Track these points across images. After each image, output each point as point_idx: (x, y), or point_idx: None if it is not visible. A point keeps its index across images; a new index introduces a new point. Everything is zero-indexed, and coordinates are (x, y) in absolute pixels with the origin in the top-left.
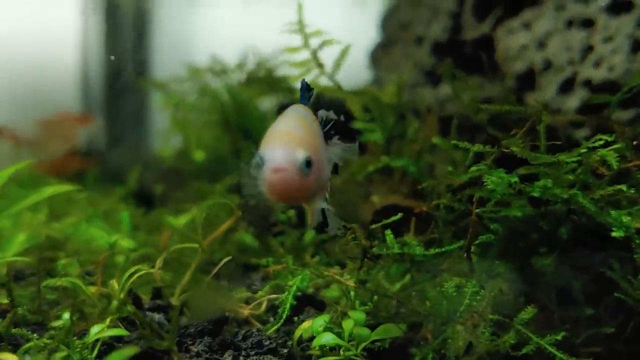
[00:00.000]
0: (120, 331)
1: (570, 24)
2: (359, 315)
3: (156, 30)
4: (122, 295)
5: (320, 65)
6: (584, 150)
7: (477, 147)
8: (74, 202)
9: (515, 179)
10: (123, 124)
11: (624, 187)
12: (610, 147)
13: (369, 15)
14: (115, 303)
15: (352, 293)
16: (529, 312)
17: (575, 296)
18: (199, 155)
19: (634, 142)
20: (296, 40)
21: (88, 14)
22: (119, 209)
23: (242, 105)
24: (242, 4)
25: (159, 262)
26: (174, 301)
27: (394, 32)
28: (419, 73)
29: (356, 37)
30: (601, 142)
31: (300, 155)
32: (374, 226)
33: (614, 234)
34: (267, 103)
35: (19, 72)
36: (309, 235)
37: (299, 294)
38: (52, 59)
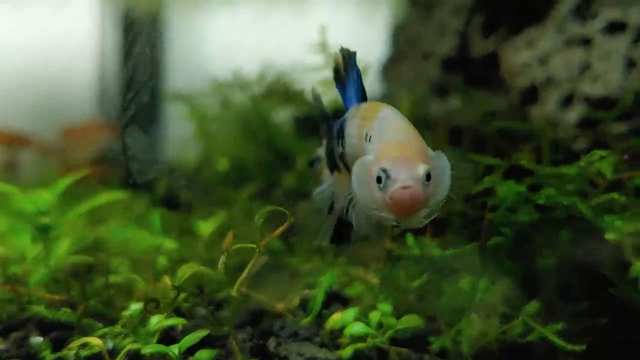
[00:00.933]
0: (178, 320)
1: (569, 43)
2: (386, 307)
3: (172, 42)
4: (176, 291)
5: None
6: (582, 163)
7: (489, 160)
8: (110, 207)
9: (523, 189)
10: (139, 133)
11: (615, 195)
12: (605, 160)
13: (377, 30)
14: (182, 295)
15: (376, 289)
16: (533, 306)
17: (573, 292)
18: (222, 164)
19: (625, 156)
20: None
21: (106, 26)
22: (149, 214)
23: (264, 118)
24: (256, 16)
25: (221, 261)
26: (234, 293)
27: (403, 47)
28: (428, 87)
29: (365, 52)
30: (597, 157)
31: (422, 169)
32: (396, 230)
33: (606, 236)
34: (282, 114)
35: (38, 83)
36: None
37: (329, 291)
38: (71, 70)
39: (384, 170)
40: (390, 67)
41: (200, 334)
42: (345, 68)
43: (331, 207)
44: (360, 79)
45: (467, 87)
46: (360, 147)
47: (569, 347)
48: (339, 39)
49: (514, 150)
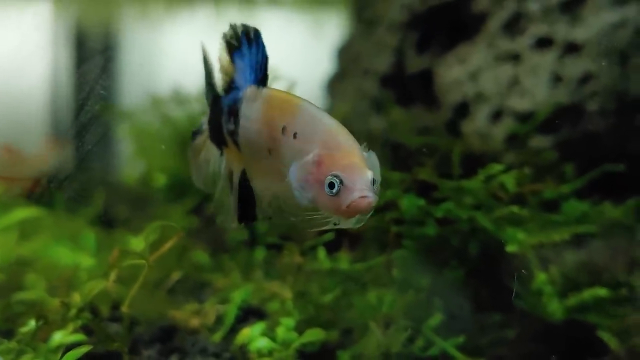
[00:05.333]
0: (79, 336)
1: (499, 58)
2: (288, 321)
3: (125, 55)
4: (80, 305)
5: None
6: (481, 177)
7: (396, 175)
8: (42, 224)
9: (421, 202)
10: (90, 150)
11: (515, 209)
12: (510, 174)
13: (326, 47)
14: (74, 311)
15: (289, 303)
16: (436, 318)
17: (482, 304)
18: (160, 180)
19: None
20: None
21: (57, 41)
22: (85, 231)
23: None
24: (209, 31)
25: (112, 277)
26: (124, 309)
27: (346, 64)
28: (367, 103)
29: (314, 68)
30: (496, 170)
31: (370, 174)
32: (308, 243)
33: (508, 249)
34: None
35: None
36: (260, 252)
37: (245, 306)
38: (21, 85)
39: (337, 177)
40: (335, 83)
41: (83, 349)
42: (239, 43)
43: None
44: (265, 61)
45: (402, 103)
46: (267, 136)
47: None
48: (290, 55)
49: (432, 163)
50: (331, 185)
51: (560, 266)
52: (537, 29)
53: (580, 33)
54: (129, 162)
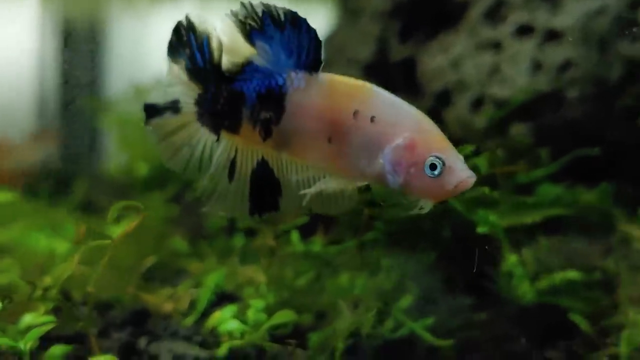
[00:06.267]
0: (49, 318)
1: (480, 46)
2: (258, 303)
3: (113, 47)
4: (49, 287)
5: None
6: None
7: None
8: (22, 212)
9: None
10: (77, 141)
11: (486, 190)
12: (482, 155)
13: None
14: (39, 292)
15: (263, 287)
16: (406, 300)
17: (455, 286)
18: (142, 169)
19: None
20: None
21: (45, 34)
22: (66, 219)
23: None
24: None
25: (76, 258)
26: (90, 289)
27: (331, 53)
28: None
29: None
30: (468, 151)
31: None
32: (282, 227)
33: (479, 230)
34: None
35: None
36: (239, 238)
37: (219, 291)
38: (10, 80)
39: (439, 158)
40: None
41: (44, 328)
42: (260, 24)
43: (232, 173)
44: (314, 45)
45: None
46: (329, 122)
47: (437, 342)
48: None
49: None
50: (433, 167)
51: (535, 249)
52: (517, 17)
53: (561, 20)
54: (113, 151)
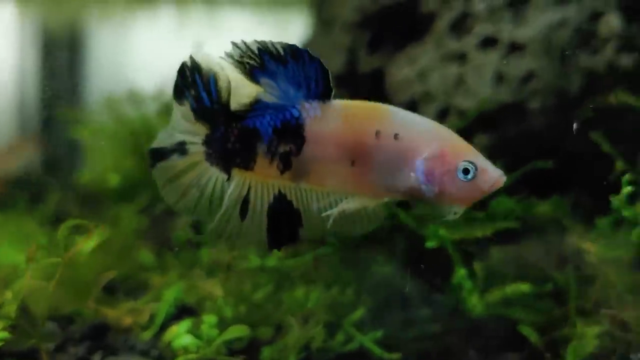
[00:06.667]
0: (2, 334)
1: (446, 58)
2: (210, 318)
3: (93, 56)
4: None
5: None
6: None
7: None
8: None
9: None
10: (54, 151)
11: None
12: None
13: None
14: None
15: (220, 301)
16: (357, 314)
17: (408, 299)
18: (114, 180)
19: None
20: None
21: (24, 43)
22: (38, 231)
23: (153, 133)
24: (176, 30)
25: (28, 274)
26: (47, 303)
27: None
28: None
29: None
30: None
31: None
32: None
33: (427, 245)
34: None
35: None
36: (205, 251)
37: (180, 304)
38: None
39: (471, 163)
40: None
41: None
42: (261, 62)
43: (244, 210)
44: (321, 74)
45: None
46: (351, 146)
47: (385, 355)
48: None
49: None
50: (466, 172)
51: (489, 261)
52: (482, 29)
53: (523, 32)
54: (87, 162)
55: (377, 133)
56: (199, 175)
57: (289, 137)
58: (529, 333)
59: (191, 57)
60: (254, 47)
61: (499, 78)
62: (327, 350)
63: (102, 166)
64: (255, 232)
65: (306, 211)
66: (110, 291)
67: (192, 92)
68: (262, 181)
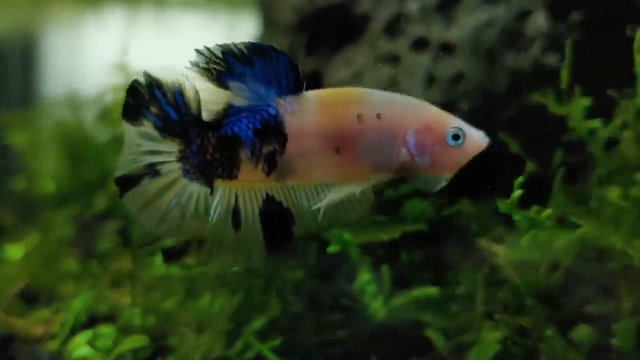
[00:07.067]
0: None
1: (380, 60)
2: (106, 330)
3: (48, 61)
4: None
5: None
6: None
7: None
8: None
9: None
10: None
11: None
12: None
13: None
14: None
15: (129, 311)
16: (258, 322)
17: (320, 304)
18: (49, 187)
19: None
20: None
21: None
22: None
23: (90, 139)
24: (123, 33)
25: None
26: None
27: None
28: None
29: None
30: None
31: None
32: (145, 248)
33: (329, 250)
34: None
35: None
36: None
37: (91, 314)
38: None
39: (459, 129)
40: None
41: None
42: (226, 65)
43: (237, 220)
44: (289, 68)
45: None
46: (334, 134)
47: None
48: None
49: None
50: (456, 137)
51: (399, 265)
52: (415, 30)
53: (453, 33)
54: (23, 168)
55: (359, 116)
56: (178, 194)
57: (271, 136)
58: (436, 338)
59: (145, 74)
60: (218, 52)
61: (430, 79)
62: (227, 359)
63: (37, 172)
64: (254, 240)
65: (297, 208)
66: (32, 300)
67: (154, 109)
68: (247, 187)
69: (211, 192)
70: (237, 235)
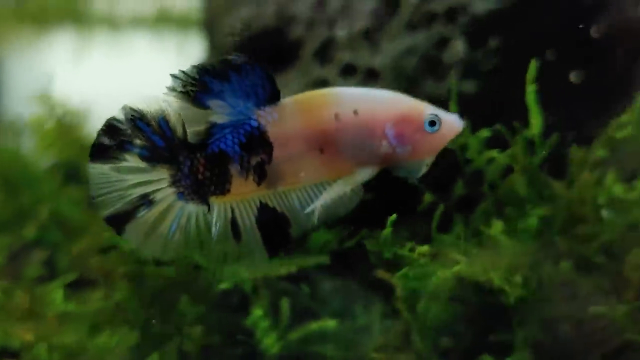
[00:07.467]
0: None
1: (311, 84)
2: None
3: (11, 83)
4: None
5: None
6: None
7: None
8: None
9: None
10: None
11: None
12: None
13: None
14: None
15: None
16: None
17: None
18: None
19: None
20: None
21: None
22: None
23: (26, 166)
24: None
25: None
26: None
27: None
28: None
29: None
30: None
31: None
32: (50, 286)
33: (221, 286)
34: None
35: None
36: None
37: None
38: None
39: (435, 115)
40: None
41: None
42: (202, 85)
43: (236, 232)
44: (263, 79)
45: None
46: (316, 136)
47: None
48: (159, 82)
49: None
50: (432, 123)
51: (300, 297)
52: (343, 56)
53: (378, 60)
54: None
55: (337, 115)
56: (176, 218)
57: (257, 148)
58: None
59: (125, 108)
60: (194, 73)
61: None
62: None
63: None
64: (255, 248)
65: (291, 211)
66: None
67: (138, 141)
68: (241, 199)
69: (208, 210)
70: (239, 246)
